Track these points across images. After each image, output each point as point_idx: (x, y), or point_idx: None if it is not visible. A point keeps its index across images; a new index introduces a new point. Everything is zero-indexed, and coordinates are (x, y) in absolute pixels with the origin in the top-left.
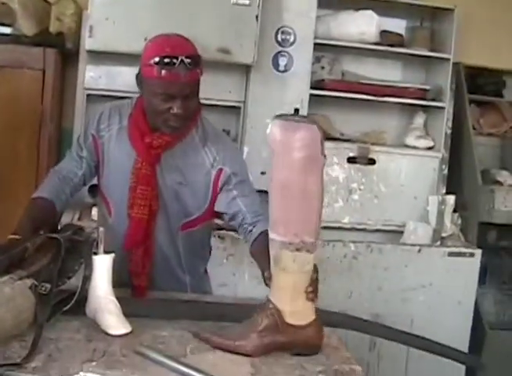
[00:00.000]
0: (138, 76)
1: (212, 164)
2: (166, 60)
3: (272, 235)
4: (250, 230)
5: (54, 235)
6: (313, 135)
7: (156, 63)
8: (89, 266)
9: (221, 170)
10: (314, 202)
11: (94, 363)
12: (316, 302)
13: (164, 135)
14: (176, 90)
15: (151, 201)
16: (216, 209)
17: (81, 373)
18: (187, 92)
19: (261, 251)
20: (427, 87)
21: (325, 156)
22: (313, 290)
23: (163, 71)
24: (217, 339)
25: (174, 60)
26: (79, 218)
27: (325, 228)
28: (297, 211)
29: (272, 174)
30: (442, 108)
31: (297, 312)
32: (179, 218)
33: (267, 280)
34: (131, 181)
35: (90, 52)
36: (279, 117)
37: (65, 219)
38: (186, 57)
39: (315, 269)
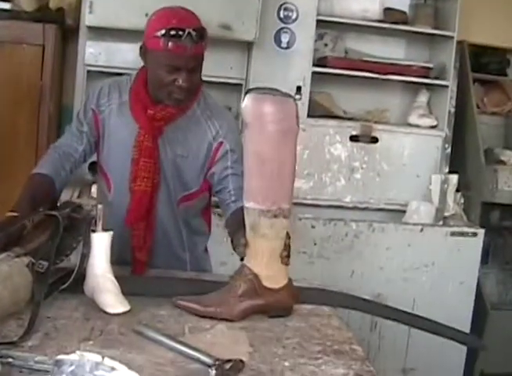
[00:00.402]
0: (142, 48)
1: (214, 137)
2: (172, 32)
3: (248, 203)
4: (231, 206)
5: (52, 212)
6: (288, 107)
7: (163, 35)
8: (87, 244)
9: (221, 143)
10: (288, 171)
11: (91, 342)
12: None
13: (167, 107)
14: (182, 62)
15: (154, 174)
16: (209, 179)
17: (78, 352)
18: (192, 65)
19: (238, 221)
20: (431, 65)
21: (299, 126)
22: (287, 254)
23: (169, 43)
24: (197, 307)
25: (181, 33)
26: (78, 196)
27: (327, 207)
28: (273, 182)
29: (246, 146)
30: (446, 86)
31: (273, 276)
32: (179, 191)
33: (241, 247)
34: (134, 154)
35: (90, 28)
36: (254, 90)
37: (64, 197)
38: (193, 30)
39: (289, 235)
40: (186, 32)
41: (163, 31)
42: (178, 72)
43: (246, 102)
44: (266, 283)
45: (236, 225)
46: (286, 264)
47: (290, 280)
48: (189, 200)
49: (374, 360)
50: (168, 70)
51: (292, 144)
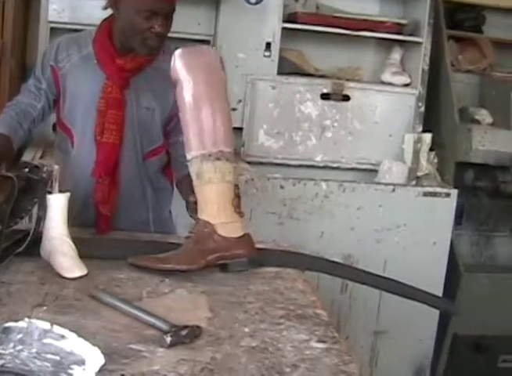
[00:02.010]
0: None
1: None
2: None
3: (190, 154)
4: (185, 164)
5: (7, 174)
6: (212, 57)
7: None
8: (43, 206)
9: None
10: (224, 116)
11: (45, 308)
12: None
13: (136, 57)
14: (160, 6)
15: (122, 126)
16: (168, 128)
17: (26, 319)
18: (169, 10)
19: (189, 182)
20: (405, 21)
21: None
22: (238, 204)
23: None
24: (155, 263)
25: None
26: (41, 157)
27: (297, 166)
28: (210, 126)
29: (180, 102)
30: (420, 43)
31: (227, 224)
32: (146, 146)
33: (192, 207)
34: (101, 105)
35: None
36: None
37: (27, 157)
38: None
39: (237, 185)
40: None
41: None
42: (154, 18)
43: (174, 59)
44: (221, 232)
45: (187, 185)
46: (239, 213)
47: (248, 234)
48: (154, 156)
49: (345, 323)
50: (145, 15)
51: (222, 90)
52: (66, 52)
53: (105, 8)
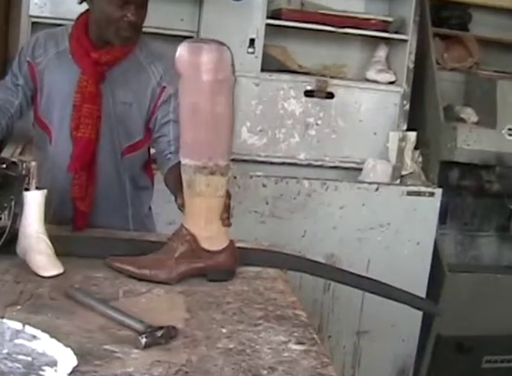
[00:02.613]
0: None
1: (158, 82)
2: None
3: (184, 160)
4: (169, 158)
5: None
6: (222, 56)
7: None
8: (20, 203)
9: (164, 88)
10: (225, 124)
11: (19, 307)
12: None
13: (111, 51)
14: None
15: (97, 121)
16: (151, 125)
17: None
18: None
19: (176, 177)
20: (390, 19)
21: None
22: (228, 216)
23: None
24: (131, 268)
25: None
26: (21, 153)
27: (280, 164)
28: (209, 135)
29: (181, 98)
30: (405, 41)
31: (212, 237)
32: (124, 141)
33: (180, 206)
34: (76, 100)
35: None
36: (188, 40)
37: (6, 153)
38: None
39: (229, 195)
40: None
41: None
42: (127, 6)
43: (180, 52)
44: (205, 245)
45: (174, 181)
46: (228, 226)
47: (231, 242)
48: (133, 151)
49: (328, 323)
50: (118, 4)
51: (228, 95)
52: (44, 48)
53: (80, 2)
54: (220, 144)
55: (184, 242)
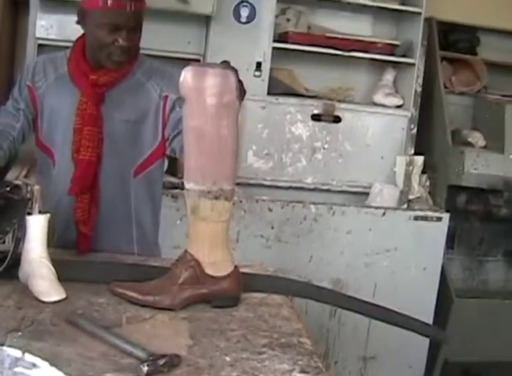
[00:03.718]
0: (79, 13)
1: (160, 95)
2: None
3: (189, 185)
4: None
5: None
6: (227, 80)
7: None
8: (22, 227)
9: (166, 97)
10: (229, 149)
11: (20, 333)
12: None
13: (109, 72)
14: (122, 20)
15: (98, 143)
16: (166, 134)
17: None
18: (133, 23)
19: None
20: (397, 42)
21: (241, 100)
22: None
23: (109, 1)
24: (134, 294)
25: None
26: (25, 176)
27: (286, 188)
28: (214, 159)
29: (185, 122)
30: (413, 65)
31: (216, 262)
32: (132, 160)
33: None
34: (76, 123)
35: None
36: (193, 64)
37: (11, 176)
38: None
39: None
40: None
41: None
42: (118, 31)
43: (185, 76)
44: (209, 271)
45: None
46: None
47: (236, 267)
48: (147, 168)
49: (334, 348)
50: (109, 29)
51: (233, 119)
52: (43, 73)
53: (77, 22)
54: (225, 168)
55: (188, 268)
